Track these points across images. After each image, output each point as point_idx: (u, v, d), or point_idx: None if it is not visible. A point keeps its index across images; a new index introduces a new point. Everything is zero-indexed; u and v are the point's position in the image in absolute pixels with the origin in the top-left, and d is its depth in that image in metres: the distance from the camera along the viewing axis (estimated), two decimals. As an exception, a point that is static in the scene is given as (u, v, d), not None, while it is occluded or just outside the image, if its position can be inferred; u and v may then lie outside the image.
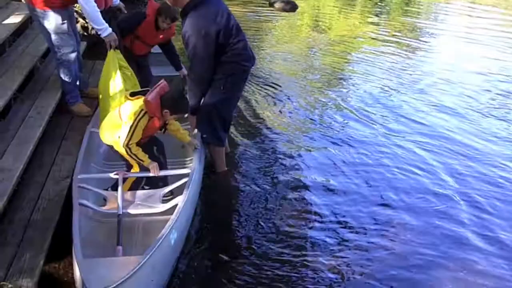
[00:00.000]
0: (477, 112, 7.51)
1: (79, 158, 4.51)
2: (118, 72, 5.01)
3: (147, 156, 4.21)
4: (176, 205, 3.92)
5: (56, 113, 5.57)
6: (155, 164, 4.22)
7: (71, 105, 5.73)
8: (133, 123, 4.08)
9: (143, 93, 4.24)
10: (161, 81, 4.30)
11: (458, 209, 5.05)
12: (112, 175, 4.22)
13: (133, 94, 4.30)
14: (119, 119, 4.24)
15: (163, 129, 4.44)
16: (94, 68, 7.12)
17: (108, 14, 5.56)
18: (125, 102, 4.33)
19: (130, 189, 4.31)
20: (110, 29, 5.19)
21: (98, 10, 5.15)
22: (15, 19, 6.92)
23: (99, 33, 5.22)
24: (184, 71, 6.01)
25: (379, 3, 16.37)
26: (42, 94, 5.71)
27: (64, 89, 5.71)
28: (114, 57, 5.11)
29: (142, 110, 4.12)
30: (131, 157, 4.17)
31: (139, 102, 4.16)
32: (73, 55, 5.44)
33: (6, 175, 4.19)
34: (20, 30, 7.01)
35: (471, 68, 9.65)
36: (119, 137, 4.18)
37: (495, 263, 4.35)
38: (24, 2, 7.69)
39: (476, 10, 15.92)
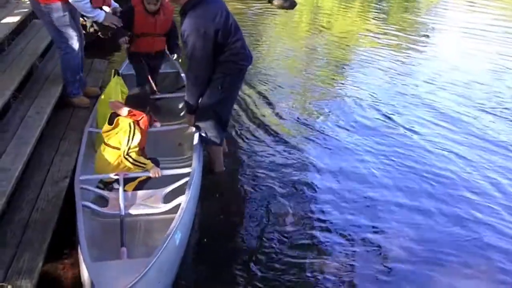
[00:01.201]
0: (502, 112, 7.40)
1: (79, 159, 4.55)
2: (119, 97, 5.14)
3: (149, 161, 4.29)
4: (178, 205, 3.94)
5: (54, 113, 5.59)
6: (158, 169, 4.28)
7: (72, 97, 5.85)
8: (129, 135, 4.19)
9: (114, 116, 4.32)
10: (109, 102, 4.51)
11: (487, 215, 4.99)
12: (112, 175, 4.25)
13: (110, 122, 4.34)
14: (115, 150, 4.31)
15: None
16: (92, 67, 7.16)
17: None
18: (111, 136, 4.35)
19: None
20: (103, 13, 5.40)
21: (87, 1, 5.26)
22: (14, 17, 6.93)
23: (96, 19, 5.45)
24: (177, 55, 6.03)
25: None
26: (41, 94, 5.73)
27: (65, 82, 5.81)
28: (117, 83, 5.31)
29: (130, 123, 4.22)
30: (134, 164, 4.24)
31: (124, 122, 4.24)
32: (76, 48, 5.56)
33: (5, 176, 4.20)
34: (19, 28, 7.02)
35: (480, 65, 9.53)
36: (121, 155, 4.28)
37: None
38: (23, 0, 7.73)
39: (476, 4, 15.85)
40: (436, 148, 6.17)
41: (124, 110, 4.27)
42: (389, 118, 6.94)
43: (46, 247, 3.77)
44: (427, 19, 13.46)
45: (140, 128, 4.27)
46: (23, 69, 5.85)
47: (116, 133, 4.29)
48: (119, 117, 4.28)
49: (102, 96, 5.32)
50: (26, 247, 3.73)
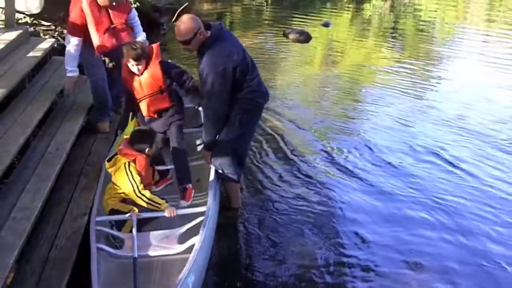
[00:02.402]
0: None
1: (95, 199, 4.59)
2: None
3: (164, 201, 4.32)
4: (193, 245, 3.91)
5: (73, 148, 5.65)
6: (173, 209, 4.30)
7: (96, 122, 6.19)
8: (127, 176, 4.27)
9: (115, 154, 4.46)
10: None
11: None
12: (126, 216, 4.27)
13: (109, 159, 4.47)
14: (118, 188, 4.41)
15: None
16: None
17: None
18: (113, 174, 4.47)
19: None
20: (72, 73, 5.69)
21: (72, 53, 5.61)
22: (35, 54, 7.07)
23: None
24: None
25: (393, 29, 16.38)
26: (60, 130, 5.80)
27: (94, 106, 6.26)
28: (135, 125, 5.30)
29: (125, 163, 4.31)
30: (148, 203, 4.27)
31: (120, 162, 4.36)
32: (102, 82, 5.93)
33: (25, 214, 4.25)
34: (40, 65, 7.14)
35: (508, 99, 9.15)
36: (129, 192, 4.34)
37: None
38: (43, 37, 7.90)
39: (492, 32, 15.75)
40: (484, 186, 5.93)
41: (121, 145, 4.43)
42: (426, 154, 6.70)
43: (65, 285, 3.78)
44: (444, 50, 13.32)
45: (137, 169, 4.34)
46: (43, 106, 5.95)
47: (115, 171, 4.39)
48: (117, 156, 4.39)
49: (120, 137, 5.35)
50: (45, 285, 3.75)
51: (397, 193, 5.75)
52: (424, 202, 5.58)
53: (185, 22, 4.52)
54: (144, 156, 4.40)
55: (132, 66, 4.77)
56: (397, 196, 5.70)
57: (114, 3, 5.51)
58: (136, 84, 4.87)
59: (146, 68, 4.80)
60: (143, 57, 4.74)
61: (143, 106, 4.97)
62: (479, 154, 6.76)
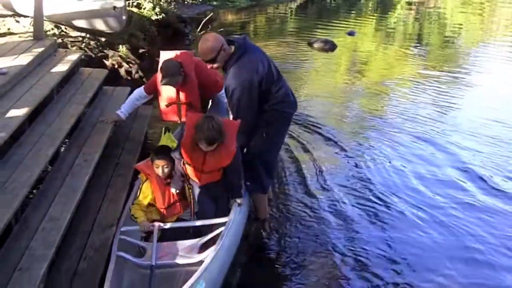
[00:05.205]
0: None
1: (125, 210, 4.64)
2: None
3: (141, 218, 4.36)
4: None
5: (101, 160, 5.67)
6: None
7: None
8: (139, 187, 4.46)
9: None
10: None
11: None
12: (149, 225, 4.30)
13: None
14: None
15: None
16: (138, 113, 7.16)
17: None
18: None
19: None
20: (121, 114, 5.85)
21: (133, 100, 5.81)
22: (62, 66, 7.10)
23: None
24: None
25: (418, 37, 16.27)
26: (88, 141, 5.81)
27: None
28: (167, 140, 5.43)
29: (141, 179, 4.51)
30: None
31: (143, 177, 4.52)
32: None
33: (54, 225, 4.28)
34: (68, 77, 7.20)
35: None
36: None
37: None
38: (71, 48, 7.98)
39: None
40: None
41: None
42: (465, 180, 6.43)
43: (94, 297, 3.81)
44: (471, 58, 13.33)
45: (151, 185, 4.43)
46: (72, 117, 5.96)
47: None
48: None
49: None
50: (74, 297, 3.77)
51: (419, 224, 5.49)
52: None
53: (206, 42, 4.54)
54: (155, 176, 4.41)
55: (202, 145, 4.24)
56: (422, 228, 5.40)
57: (166, 85, 5.26)
58: (195, 158, 4.35)
59: (216, 148, 4.29)
60: (218, 141, 4.23)
61: (192, 175, 4.50)
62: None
